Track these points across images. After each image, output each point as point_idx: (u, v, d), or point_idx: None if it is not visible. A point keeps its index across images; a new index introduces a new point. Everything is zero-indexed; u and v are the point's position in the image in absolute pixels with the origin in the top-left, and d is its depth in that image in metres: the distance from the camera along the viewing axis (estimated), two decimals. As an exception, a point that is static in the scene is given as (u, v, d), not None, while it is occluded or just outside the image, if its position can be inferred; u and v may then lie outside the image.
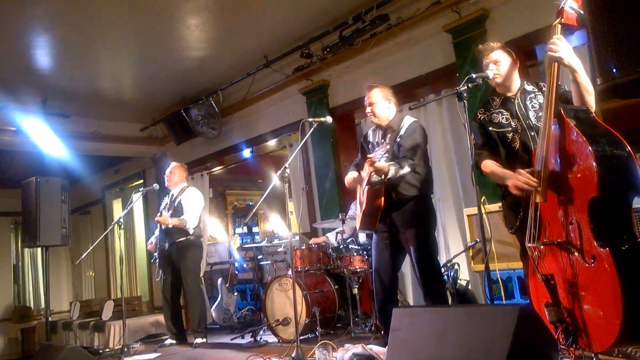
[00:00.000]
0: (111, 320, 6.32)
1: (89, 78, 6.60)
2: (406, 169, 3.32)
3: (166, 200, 5.55)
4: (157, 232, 5.48)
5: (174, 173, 5.51)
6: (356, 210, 3.78)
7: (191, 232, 5.27)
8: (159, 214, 5.15)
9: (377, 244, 3.64)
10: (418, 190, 3.46)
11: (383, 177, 3.28)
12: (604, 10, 1.40)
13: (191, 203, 5.32)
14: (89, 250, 5.35)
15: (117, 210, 10.32)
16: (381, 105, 3.61)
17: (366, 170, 3.45)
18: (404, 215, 3.45)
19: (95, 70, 6.45)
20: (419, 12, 5.16)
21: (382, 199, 3.37)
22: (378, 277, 3.58)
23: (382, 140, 3.56)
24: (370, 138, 3.76)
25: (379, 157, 3.15)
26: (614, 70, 1.35)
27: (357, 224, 3.70)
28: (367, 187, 3.41)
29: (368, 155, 3.30)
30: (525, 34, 4.41)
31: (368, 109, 3.62)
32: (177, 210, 5.23)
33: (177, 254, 5.23)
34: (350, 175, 3.78)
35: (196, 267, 5.48)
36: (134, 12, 5.09)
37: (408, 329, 2.13)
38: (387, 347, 2.30)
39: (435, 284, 3.46)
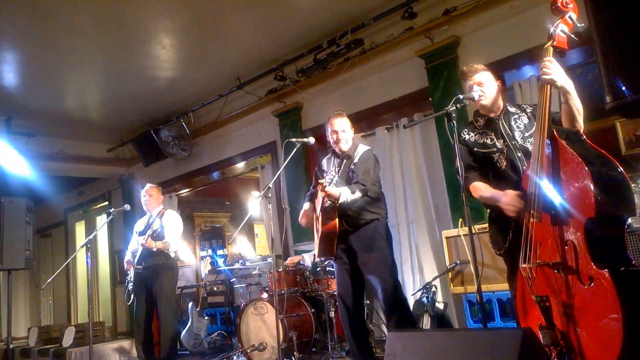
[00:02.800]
0: (72, 347, 6.00)
1: (55, 96, 6.41)
2: (357, 194, 3.37)
3: (142, 222, 5.38)
4: (128, 252, 5.33)
5: (153, 195, 5.38)
6: (315, 240, 3.76)
7: (173, 255, 5.19)
8: (145, 238, 4.97)
9: (338, 270, 3.65)
10: (372, 214, 3.50)
11: (335, 202, 3.31)
12: (613, 27, 1.40)
13: (173, 226, 5.21)
14: (55, 273, 5.13)
15: (80, 232, 9.99)
16: (349, 133, 3.69)
17: (319, 197, 3.49)
18: (361, 240, 3.47)
19: (63, 88, 6.26)
20: (393, 38, 5.25)
21: (336, 223, 3.40)
22: (342, 303, 3.58)
23: (338, 169, 3.61)
24: (325, 167, 3.80)
25: (329, 182, 3.18)
26: (624, 89, 1.35)
27: (316, 252, 3.69)
28: (320, 213, 3.44)
29: (319, 181, 3.33)
30: (495, 60, 4.53)
31: (340, 136, 3.64)
32: (158, 233, 5.08)
33: (154, 277, 5.08)
34: (304, 208, 3.84)
35: (172, 291, 5.33)
36: (105, 29, 4.98)
37: (402, 354, 2.07)
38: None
39: (398, 305, 3.44)
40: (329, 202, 3.32)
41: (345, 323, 3.58)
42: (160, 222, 5.12)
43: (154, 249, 4.97)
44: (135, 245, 5.33)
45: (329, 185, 3.18)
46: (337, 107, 5.95)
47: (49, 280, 5.18)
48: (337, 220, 3.39)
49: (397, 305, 3.43)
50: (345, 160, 3.62)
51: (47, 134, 7.32)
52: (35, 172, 7.14)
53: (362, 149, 3.64)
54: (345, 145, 3.66)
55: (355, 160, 3.52)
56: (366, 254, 3.45)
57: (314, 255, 5.09)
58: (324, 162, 3.85)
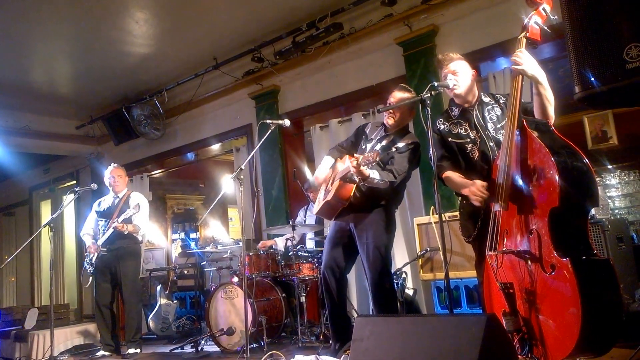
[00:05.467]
0: (35, 329, 5.87)
1: (21, 68, 6.16)
2: (383, 183, 3.26)
3: (106, 202, 5.27)
4: (87, 236, 5.23)
5: (122, 176, 5.28)
6: (320, 194, 3.69)
7: (140, 238, 5.15)
8: (117, 220, 4.89)
9: (333, 238, 3.59)
10: (386, 202, 3.44)
11: (360, 179, 3.22)
12: (585, 19, 1.42)
13: (143, 209, 5.11)
14: (15, 254, 4.94)
15: (46, 212, 9.77)
16: (403, 117, 3.51)
17: (346, 162, 3.37)
18: (366, 222, 3.42)
19: (30, 59, 6.01)
20: (372, 24, 5.24)
21: (350, 195, 3.34)
22: (331, 273, 3.52)
23: (378, 143, 3.49)
24: (368, 131, 3.65)
25: (367, 162, 3.02)
26: (593, 79, 1.37)
27: (315, 208, 3.62)
28: (339, 180, 3.35)
29: (355, 155, 3.19)
30: (472, 51, 4.56)
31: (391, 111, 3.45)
32: (130, 216, 4.99)
33: (119, 260, 5.01)
34: (327, 163, 3.65)
35: (137, 274, 5.27)
36: (77, -2, 4.79)
37: (370, 339, 2.08)
38: (350, 357, 2.24)
39: (384, 295, 3.41)
40: (354, 176, 3.19)
41: (328, 295, 3.53)
42: (128, 205, 5.03)
43: (125, 232, 4.90)
44: (93, 224, 5.26)
45: (366, 166, 3.06)
46: (314, 91, 6.00)
47: (9, 260, 5.03)
48: (351, 193, 3.32)
49: (383, 295, 3.40)
50: (389, 139, 3.47)
51: (11, 107, 7.06)
52: (-2, 147, 6.95)
53: (410, 138, 3.47)
54: (391, 122, 3.48)
55: (400, 145, 3.36)
56: (365, 236, 3.40)
57: (287, 239, 5.09)
58: (370, 125, 3.70)
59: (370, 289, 3.44)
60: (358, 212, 3.44)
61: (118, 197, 5.22)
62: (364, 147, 3.58)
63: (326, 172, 3.64)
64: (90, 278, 5.15)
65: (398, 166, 3.34)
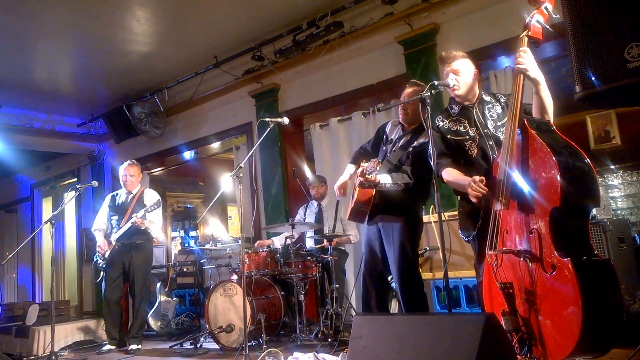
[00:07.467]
0: (36, 325, 5.90)
1: (24, 67, 6.19)
2: (397, 185, 3.25)
3: (120, 197, 5.31)
4: (98, 232, 5.24)
5: (135, 175, 5.30)
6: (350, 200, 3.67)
7: (154, 234, 5.21)
8: (135, 215, 4.92)
9: (367, 245, 3.56)
10: (410, 200, 3.39)
11: (373, 186, 3.22)
12: (585, 18, 1.42)
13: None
14: (16, 250, 4.97)
15: (47, 209, 9.81)
16: (416, 112, 3.41)
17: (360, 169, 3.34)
18: (391, 224, 3.37)
19: (32, 58, 6.04)
20: (373, 22, 5.23)
21: (370, 200, 3.32)
22: (369, 279, 3.48)
23: (397, 143, 3.46)
24: (388, 130, 3.61)
25: (370, 171, 3.02)
26: (593, 79, 1.37)
27: (347, 215, 3.61)
28: (358, 187, 3.35)
29: (362, 164, 3.16)
30: (472, 50, 4.52)
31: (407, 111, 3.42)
32: (138, 212, 5.04)
33: (132, 255, 5.09)
34: (348, 171, 3.63)
35: (148, 269, 5.33)
36: (78, -2, 4.80)
37: (368, 337, 2.08)
38: (348, 355, 2.24)
39: (415, 295, 3.34)
40: (366, 183, 3.20)
41: (365, 301, 3.51)
42: (142, 201, 5.09)
43: (142, 227, 4.96)
44: (105, 219, 5.29)
45: (371, 174, 3.03)
46: (314, 90, 6.00)
47: (10, 256, 5.07)
48: (371, 197, 3.31)
49: (413, 295, 3.33)
50: (407, 138, 3.43)
51: (14, 105, 7.10)
52: (1, 144, 6.99)
53: (427, 135, 3.30)
54: (404, 118, 3.44)
55: (416, 144, 3.33)
56: (390, 237, 3.36)
57: (286, 238, 5.09)
58: (389, 124, 3.63)
59: (400, 293, 3.37)
60: (384, 214, 3.40)
61: (132, 193, 5.26)
62: (384, 148, 3.55)
63: (343, 180, 3.61)
64: (102, 273, 5.17)
65: (413, 165, 3.32)
